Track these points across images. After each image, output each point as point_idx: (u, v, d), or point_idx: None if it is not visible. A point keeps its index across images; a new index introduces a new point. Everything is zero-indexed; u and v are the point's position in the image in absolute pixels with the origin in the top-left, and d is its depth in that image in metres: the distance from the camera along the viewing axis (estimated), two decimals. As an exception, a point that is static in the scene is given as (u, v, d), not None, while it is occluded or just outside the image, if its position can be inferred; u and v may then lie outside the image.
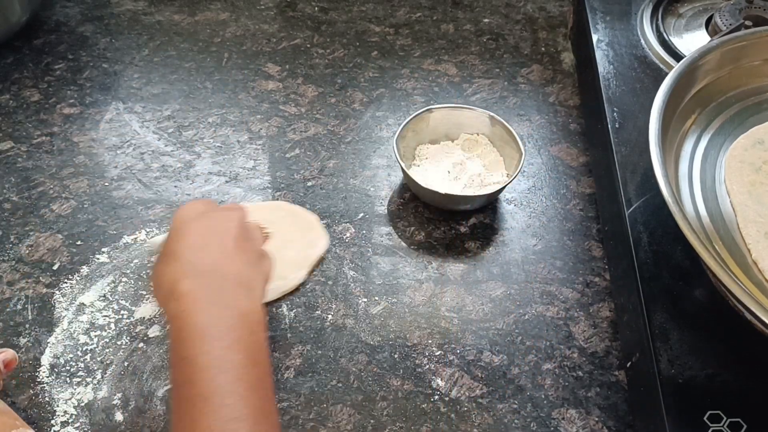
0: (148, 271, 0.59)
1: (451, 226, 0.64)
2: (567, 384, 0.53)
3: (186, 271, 0.43)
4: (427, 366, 0.54)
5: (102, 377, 0.53)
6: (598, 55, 0.70)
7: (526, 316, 0.58)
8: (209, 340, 0.40)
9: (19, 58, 0.80)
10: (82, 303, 0.57)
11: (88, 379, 0.52)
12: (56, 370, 0.53)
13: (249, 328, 0.42)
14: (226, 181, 0.68)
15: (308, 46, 0.84)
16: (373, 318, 0.57)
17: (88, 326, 0.56)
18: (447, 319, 0.57)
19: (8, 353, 0.50)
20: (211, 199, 0.53)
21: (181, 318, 0.41)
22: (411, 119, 0.66)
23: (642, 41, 0.72)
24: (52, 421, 0.50)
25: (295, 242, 0.62)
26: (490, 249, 0.63)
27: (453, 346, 0.56)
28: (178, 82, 0.78)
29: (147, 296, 0.58)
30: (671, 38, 0.71)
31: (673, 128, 0.57)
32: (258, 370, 0.41)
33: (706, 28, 0.73)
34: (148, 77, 0.79)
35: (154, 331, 0.56)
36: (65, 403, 0.51)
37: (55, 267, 0.60)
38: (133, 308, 0.57)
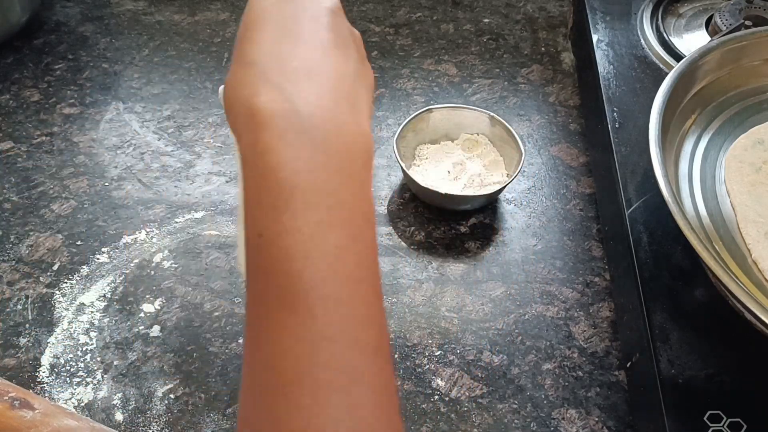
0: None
1: (451, 226, 0.64)
2: (567, 384, 0.53)
3: (266, 77, 0.29)
4: (427, 366, 0.54)
5: (102, 377, 0.53)
6: (598, 55, 0.70)
7: (526, 316, 0.58)
8: (298, 209, 0.27)
9: (19, 58, 0.80)
10: (82, 303, 0.57)
11: (88, 379, 0.52)
12: (56, 370, 0.53)
13: (352, 175, 0.29)
14: (227, 181, 0.68)
15: (308, 46, 0.84)
16: (373, 318, 0.57)
17: (88, 326, 0.56)
18: (447, 319, 0.57)
19: None
20: None
21: (262, 162, 0.28)
22: (411, 119, 0.66)
23: (642, 41, 0.72)
24: (52, 421, 0.50)
25: None
26: (490, 249, 0.63)
27: (453, 346, 0.56)
28: (178, 82, 0.78)
29: (146, 296, 0.58)
30: (671, 38, 0.71)
31: (673, 128, 0.57)
32: (359, 248, 0.28)
33: (706, 28, 0.73)
34: (148, 77, 0.79)
35: (154, 332, 0.56)
36: (65, 403, 0.51)
37: (55, 267, 0.60)
38: (133, 308, 0.57)
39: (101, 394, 0.52)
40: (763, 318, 0.40)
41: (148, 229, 0.63)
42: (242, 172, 0.29)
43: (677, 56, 0.68)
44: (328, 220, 0.27)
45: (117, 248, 0.62)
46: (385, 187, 0.68)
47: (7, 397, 0.41)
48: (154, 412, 0.51)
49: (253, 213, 0.28)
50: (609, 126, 0.62)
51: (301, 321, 0.26)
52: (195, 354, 0.55)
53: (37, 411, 0.41)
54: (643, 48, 0.71)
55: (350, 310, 0.27)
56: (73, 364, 0.53)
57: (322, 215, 0.27)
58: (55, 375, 0.53)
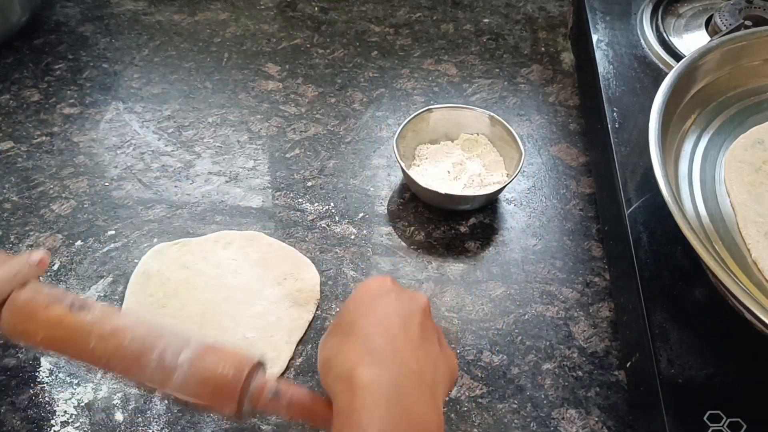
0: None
1: (451, 226, 0.64)
2: (567, 384, 0.53)
3: (367, 356, 0.37)
4: (427, 366, 0.54)
5: (102, 377, 0.53)
6: (598, 55, 0.70)
7: (526, 316, 0.58)
8: None
9: (19, 58, 0.80)
10: (82, 303, 0.57)
11: (88, 379, 0.52)
12: (56, 370, 0.53)
13: (435, 409, 0.37)
14: (226, 181, 0.68)
15: (308, 46, 0.84)
16: (373, 318, 0.57)
17: (88, 326, 0.56)
18: (447, 319, 0.57)
19: (40, 253, 0.46)
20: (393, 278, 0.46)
21: (356, 415, 0.35)
22: (411, 119, 0.66)
23: (642, 41, 0.72)
24: (52, 421, 0.50)
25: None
26: (490, 249, 0.63)
27: (453, 346, 0.56)
28: (178, 82, 0.78)
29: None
30: (671, 38, 0.72)
31: (673, 128, 0.57)
32: None
33: (706, 28, 0.73)
34: (148, 77, 0.79)
35: (154, 331, 0.56)
36: (65, 403, 0.51)
37: (55, 267, 0.60)
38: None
39: (101, 394, 0.52)
40: (763, 318, 0.40)
41: (148, 228, 0.63)
42: (334, 419, 0.36)
43: (677, 56, 0.68)
44: None
45: (117, 248, 0.61)
46: (385, 187, 0.68)
47: (66, 302, 0.42)
48: (154, 412, 0.51)
49: None
50: (609, 126, 0.62)
51: None
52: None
53: (95, 312, 0.42)
54: (643, 48, 0.71)
55: None
56: (73, 364, 0.53)
57: None
58: (55, 375, 0.53)
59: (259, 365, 0.40)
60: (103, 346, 0.40)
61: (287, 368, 0.54)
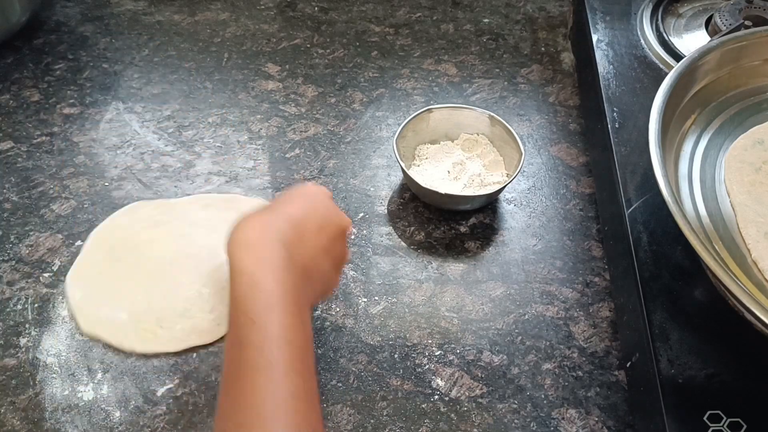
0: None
1: (451, 226, 0.64)
2: (567, 384, 0.53)
3: (280, 231, 0.43)
4: (427, 366, 0.54)
5: (102, 377, 0.53)
6: (598, 55, 0.70)
7: (526, 316, 0.58)
8: (283, 310, 0.39)
9: (19, 58, 0.80)
10: (82, 303, 0.57)
11: (88, 379, 0.52)
12: (56, 369, 0.53)
13: (309, 314, 0.43)
14: (226, 181, 0.68)
15: (308, 46, 0.84)
16: (373, 318, 0.57)
17: (88, 326, 0.56)
18: (447, 319, 0.57)
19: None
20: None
21: (257, 276, 0.40)
22: (411, 119, 0.66)
23: (642, 41, 0.72)
24: (53, 421, 0.50)
25: None
26: (490, 249, 0.63)
27: (453, 346, 0.56)
28: (178, 82, 0.78)
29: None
30: (671, 38, 0.72)
31: (673, 128, 0.57)
32: (310, 354, 0.41)
33: (706, 28, 0.73)
34: (148, 77, 0.79)
35: (154, 331, 0.56)
36: (65, 403, 0.51)
37: (55, 267, 0.60)
38: (133, 308, 0.57)
39: (101, 393, 0.52)
40: (763, 318, 0.40)
41: (148, 229, 0.63)
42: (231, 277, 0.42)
43: (677, 56, 0.68)
44: (300, 324, 0.41)
45: (117, 248, 0.62)
46: (385, 187, 0.68)
47: None
48: (154, 412, 0.51)
49: (246, 304, 0.40)
50: (609, 126, 0.62)
51: (275, 380, 0.38)
52: (195, 354, 0.55)
53: None
54: (643, 48, 0.71)
55: (299, 367, 0.39)
56: (73, 363, 0.53)
57: (299, 320, 0.41)
58: (55, 375, 0.53)
59: None
60: None
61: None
